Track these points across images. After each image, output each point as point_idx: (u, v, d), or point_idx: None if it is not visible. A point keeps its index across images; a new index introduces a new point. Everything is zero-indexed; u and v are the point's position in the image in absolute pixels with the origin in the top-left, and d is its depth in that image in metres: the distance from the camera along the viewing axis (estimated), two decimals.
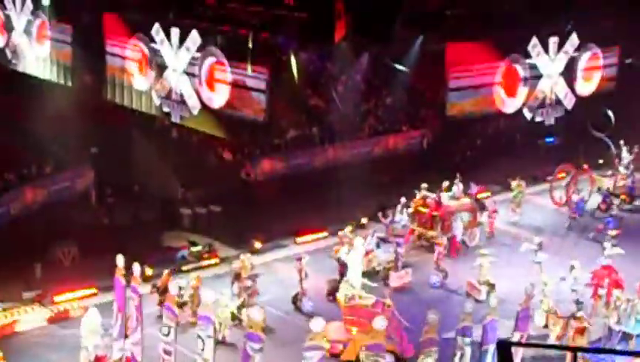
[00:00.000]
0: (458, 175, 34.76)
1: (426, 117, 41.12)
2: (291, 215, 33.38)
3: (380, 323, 22.22)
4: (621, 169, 40.02)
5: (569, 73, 43.40)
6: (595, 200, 37.61)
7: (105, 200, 33.82)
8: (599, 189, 38.98)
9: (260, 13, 32.02)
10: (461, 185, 34.68)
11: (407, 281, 30.44)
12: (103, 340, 23.00)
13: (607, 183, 39.76)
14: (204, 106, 34.04)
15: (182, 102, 34.36)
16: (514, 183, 36.95)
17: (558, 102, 41.60)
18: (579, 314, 25.22)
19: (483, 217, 34.68)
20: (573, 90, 43.63)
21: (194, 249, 31.36)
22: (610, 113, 43.50)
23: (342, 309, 26.41)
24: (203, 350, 22.00)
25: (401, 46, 38.27)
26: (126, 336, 23.29)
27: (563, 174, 38.98)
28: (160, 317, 24.99)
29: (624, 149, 40.38)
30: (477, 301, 28.03)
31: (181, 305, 26.32)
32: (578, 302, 26.24)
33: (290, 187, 34.57)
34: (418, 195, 33.95)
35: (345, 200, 33.67)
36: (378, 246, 30.98)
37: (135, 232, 31.54)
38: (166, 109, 34.74)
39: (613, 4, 41.48)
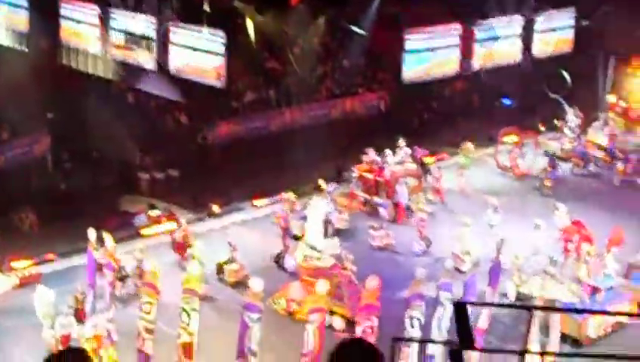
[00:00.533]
0: (401, 139, 34.63)
1: (383, 80, 41.23)
2: (249, 178, 33.38)
3: (321, 286, 22.50)
4: (567, 131, 40.00)
5: (526, 35, 43.88)
6: (542, 163, 37.54)
7: (62, 165, 33.72)
8: (546, 153, 39.10)
9: None
10: (406, 150, 34.50)
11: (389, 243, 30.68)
12: (66, 318, 22.78)
13: (553, 146, 39.90)
14: (161, 70, 34.03)
15: (138, 66, 34.32)
16: (464, 147, 36.65)
17: (514, 64, 42.15)
18: (549, 269, 25.85)
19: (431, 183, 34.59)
20: (529, 52, 44.11)
21: (152, 213, 31.39)
22: (566, 74, 43.87)
23: (299, 269, 26.87)
24: (188, 324, 21.80)
25: (358, 8, 38.39)
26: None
27: (509, 138, 38.89)
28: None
29: (570, 111, 40.35)
30: (460, 271, 27.74)
31: (122, 278, 26.26)
32: (551, 261, 26.53)
33: (248, 150, 34.55)
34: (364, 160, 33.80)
35: (302, 163, 33.75)
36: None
37: (93, 197, 31.50)
38: (122, 73, 34.71)
39: None
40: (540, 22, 44.30)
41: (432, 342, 23.30)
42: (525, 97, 43.59)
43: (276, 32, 36.59)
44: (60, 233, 29.22)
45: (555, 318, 23.52)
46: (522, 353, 15.46)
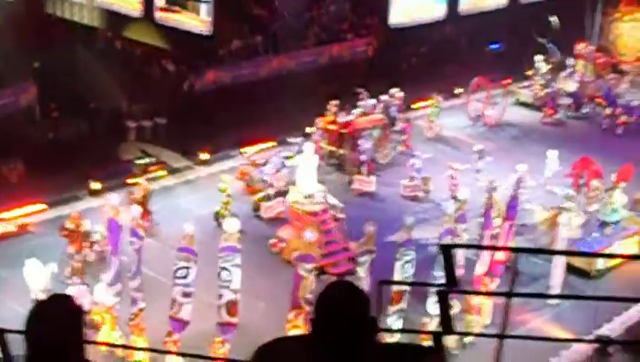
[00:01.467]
0: (363, 90, 34.45)
1: (370, 25, 41.13)
2: (237, 126, 33.33)
3: (308, 234, 22.76)
4: (538, 79, 40.29)
5: None
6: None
7: (49, 115, 33.68)
8: (518, 101, 40.05)
9: None
10: (371, 100, 34.24)
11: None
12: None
13: (526, 94, 40.38)
14: (147, 17, 33.98)
15: (124, 12, 34.28)
16: (432, 98, 36.69)
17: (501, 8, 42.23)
18: (567, 204, 26.25)
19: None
20: None
21: (140, 162, 31.46)
22: (553, 18, 43.84)
23: (290, 214, 27.41)
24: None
25: None
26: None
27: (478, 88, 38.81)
28: None
29: (538, 58, 40.77)
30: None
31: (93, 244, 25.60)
32: (567, 196, 26.99)
33: (235, 98, 34.50)
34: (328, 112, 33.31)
35: (290, 109, 33.75)
36: (284, 165, 30.48)
37: (81, 146, 31.60)
38: (108, 21, 34.63)
39: None
40: None
41: (419, 284, 23.69)
42: (513, 42, 43.50)
43: None
44: (49, 182, 29.22)
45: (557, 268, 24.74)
46: (509, 295, 15.93)
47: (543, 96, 39.72)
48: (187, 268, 21.86)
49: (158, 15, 34.57)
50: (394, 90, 35.58)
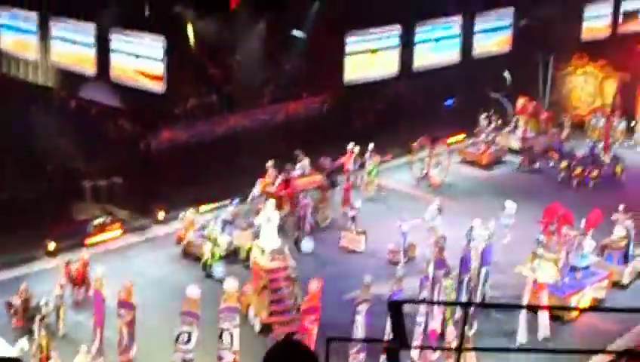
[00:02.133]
0: (300, 151, 34.41)
1: (325, 82, 41.48)
2: (193, 184, 33.56)
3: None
4: (483, 137, 40.70)
5: (468, 35, 44.59)
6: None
7: (5, 174, 33.53)
8: (465, 160, 40.42)
9: None
10: (307, 161, 34.17)
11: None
12: None
13: (471, 153, 40.64)
14: (102, 76, 34.14)
15: (79, 73, 34.41)
16: (370, 161, 36.37)
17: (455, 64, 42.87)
18: (539, 251, 27.24)
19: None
20: (471, 52, 44.81)
21: (97, 221, 31.47)
22: (506, 73, 44.54)
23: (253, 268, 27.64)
24: (231, 343, 22.05)
25: (298, 12, 38.68)
26: None
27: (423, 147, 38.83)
28: None
29: (482, 116, 41.15)
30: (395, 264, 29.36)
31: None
32: (538, 241, 27.87)
33: (192, 156, 34.68)
34: (268, 173, 33.39)
35: (247, 168, 33.93)
36: (223, 229, 30.47)
37: (37, 206, 31.50)
38: (63, 81, 34.74)
39: None
40: (480, 22, 45.05)
41: (369, 341, 24.01)
42: (467, 98, 44.05)
43: (218, 37, 36.67)
44: (6, 243, 29.14)
45: (543, 300, 25.90)
46: (459, 349, 16.17)
47: (487, 155, 40.06)
48: (189, 332, 22.08)
49: (113, 74, 34.72)
50: (351, 146, 35.84)
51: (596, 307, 28.90)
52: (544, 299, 26.11)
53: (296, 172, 33.54)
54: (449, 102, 45.04)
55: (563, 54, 46.21)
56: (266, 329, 25.96)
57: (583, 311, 27.76)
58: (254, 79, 38.24)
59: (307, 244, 31.03)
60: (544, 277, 26.74)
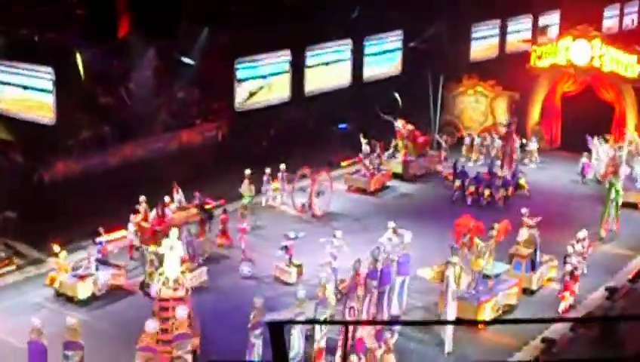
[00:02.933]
0: (175, 184, 34.11)
1: (218, 110, 41.92)
2: (89, 216, 33.36)
3: (181, 312, 23.50)
4: (367, 163, 40.84)
5: (357, 58, 45.48)
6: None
7: None
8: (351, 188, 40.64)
9: (42, 13, 32.09)
10: (181, 194, 33.99)
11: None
12: None
13: (357, 179, 40.77)
14: None
15: None
16: (246, 189, 36.47)
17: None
18: (453, 259, 27.95)
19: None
20: (361, 75, 45.72)
21: None
22: (397, 95, 45.39)
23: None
24: None
25: (188, 39, 39.03)
26: None
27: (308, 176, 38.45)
28: None
29: (364, 142, 41.00)
30: (287, 284, 30.28)
31: None
32: (452, 249, 28.63)
33: (86, 188, 34.58)
34: (140, 208, 33.16)
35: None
36: (97, 268, 30.23)
37: None
38: None
39: None
40: (369, 45, 46.00)
41: None
42: (360, 120, 44.76)
43: (107, 66, 36.83)
44: None
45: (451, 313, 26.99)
46: None
47: (374, 181, 40.33)
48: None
49: (1, 107, 34.62)
50: (248, 172, 36.27)
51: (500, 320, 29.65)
52: (454, 308, 27.17)
53: (172, 206, 33.35)
54: (342, 126, 45.67)
55: (453, 75, 47.24)
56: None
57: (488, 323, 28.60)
58: (147, 108, 38.40)
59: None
60: (460, 284, 28.02)
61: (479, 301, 28.56)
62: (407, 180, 41.76)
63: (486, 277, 29.27)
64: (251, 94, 42.03)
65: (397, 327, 26.97)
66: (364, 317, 26.40)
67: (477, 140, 45.33)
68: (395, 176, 41.69)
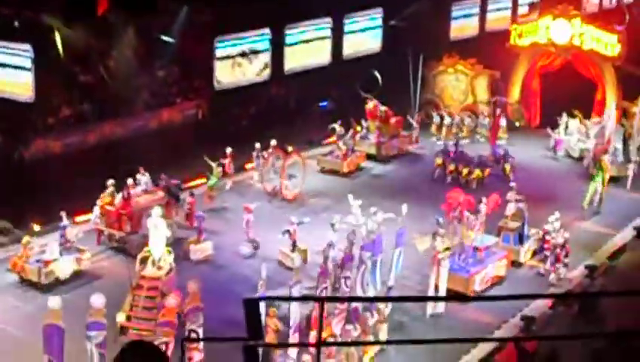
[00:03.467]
0: (142, 168, 33.81)
1: (199, 88, 41.96)
2: (69, 194, 33.16)
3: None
4: (341, 144, 40.51)
5: (337, 37, 45.57)
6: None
7: None
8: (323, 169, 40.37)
9: None
10: (147, 177, 33.72)
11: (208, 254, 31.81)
12: None
13: (330, 161, 40.42)
14: None
15: None
16: (214, 171, 36.06)
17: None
18: (440, 231, 29.07)
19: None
20: (340, 54, 45.80)
21: None
22: (377, 74, 45.45)
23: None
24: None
25: (168, 17, 39.01)
26: None
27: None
28: None
29: (336, 125, 40.90)
30: (289, 269, 29.74)
31: None
32: (438, 222, 29.58)
33: (67, 166, 34.59)
34: (106, 192, 32.84)
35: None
36: (61, 254, 30.08)
37: None
38: None
39: None
40: (349, 23, 46.07)
41: (222, 339, 24.71)
42: (341, 99, 44.90)
43: (87, 44, 36.74)
44: None
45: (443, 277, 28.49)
46: (318, 345, 16.84)
47: (348, 163, 39.97)
48: None
49: None
50: (229, 150, 36.46)
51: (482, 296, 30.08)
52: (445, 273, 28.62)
53: (138, 189, 33.11)
54: (324, 103, 45.78)
55: (433, 53, 47.31)
56: (124, 331, 26.19)
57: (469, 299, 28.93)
58: (127, 86, 38.35)
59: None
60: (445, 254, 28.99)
61: (469, 273, 29.48)
62: (380, 161, 41.79)
63: (476, 249, 30.28)
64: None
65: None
66: (357, 287, 27.57)
67: (456, 119, 45.50)
68: (369, 157, 41.57)
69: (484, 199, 31.36)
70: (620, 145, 40.47)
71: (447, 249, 29.04)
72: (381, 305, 26.34)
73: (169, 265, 27.54)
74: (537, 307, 28.39)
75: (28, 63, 34.15)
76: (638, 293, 8.92)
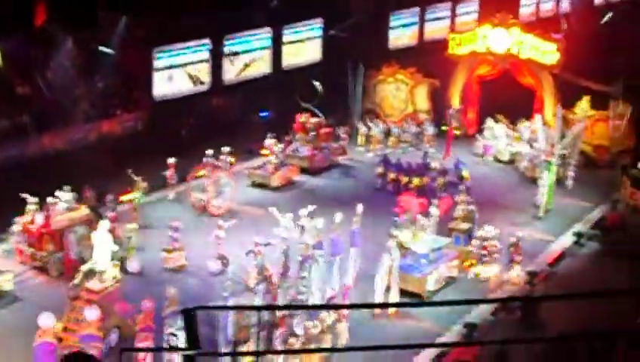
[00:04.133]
0: (66, 187, 32.59)
1: (138, 99, 41.89)
2: (4, 208, 32.62)
3: (90, 313, 24.38)
4: (272, 159, 40.02)
5: (276, 47, 45.74)
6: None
7: None
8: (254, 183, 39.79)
9: None
10: (70, 194, 32.36)
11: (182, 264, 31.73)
12: None
13: (261, 175, 39.85)
14: None
15: None
16: (138, 186, 35.26)
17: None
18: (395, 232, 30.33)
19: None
20: (279, 64, 45.98)
21: None
22: (317, 83, 45.70)
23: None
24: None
25: (107, 29, 38.93)
26: None
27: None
28: None
29: (269, 137, 40.41)
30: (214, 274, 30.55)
31: None
32: (396, 224, 31.04)
33: (3, 179, 34.09)
34: (28, 209, 32.05)
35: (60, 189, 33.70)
36: None
37: None
38: None
39: None
40: (288, 33, 46.28)
41: (160, 350, 24.76)
42: (281, 108, 45.06)
43: (25, 55, 36.53)
44: None
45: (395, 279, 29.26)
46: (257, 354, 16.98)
47: (278, 176, 39.57)
48: None
49: None
50: (171, 161, 36.79)
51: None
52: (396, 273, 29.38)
53: (59, 207, 31.79)
54: (264, 114, 45.91)
55: (372, 63, 47.62)
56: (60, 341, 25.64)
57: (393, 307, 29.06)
58: (66, 98, 38.19)
59: (133, 265, 31.13)
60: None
61: (423, 273, 30.15)
62: (312, 173, 41.55)
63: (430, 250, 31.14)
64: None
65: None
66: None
67: (396, 128, 45.85)
68: (301, 170, 41.26)
69: (435, 201, 32.54)
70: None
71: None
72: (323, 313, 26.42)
73: (112, 279, 27.38)
74: (479, 314, 28.75)
75: None
76: (577, 297, 9.18)
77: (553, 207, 37.50)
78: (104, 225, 28.59)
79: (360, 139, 45.21)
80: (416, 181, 38.87)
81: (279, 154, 40.22)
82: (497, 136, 44.52)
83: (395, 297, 28.92)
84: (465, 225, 33.26)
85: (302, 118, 42.56)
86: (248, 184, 39.61)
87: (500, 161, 43.86)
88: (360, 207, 30.91)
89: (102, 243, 27.98)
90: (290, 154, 41.26)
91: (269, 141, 40.15)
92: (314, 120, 42.68)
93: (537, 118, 42.03)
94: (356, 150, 44.44)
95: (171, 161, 37.00)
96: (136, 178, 35.04)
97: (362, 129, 45.31)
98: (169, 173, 36.97)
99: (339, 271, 29.30)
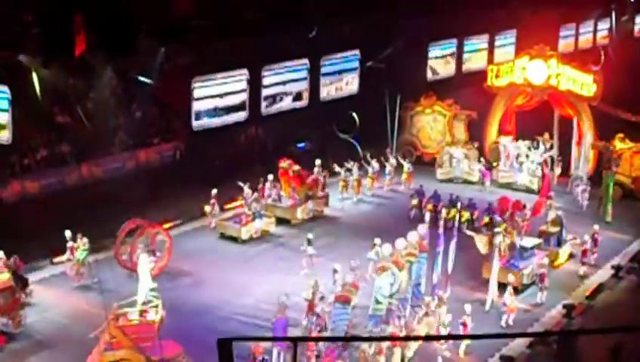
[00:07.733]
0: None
1: (176, 128, 42.01)
2: (46, 235, 33.20)
3: None
4: (246, 210, 37.26)
5: (314, 79, 45.80)
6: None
7: None
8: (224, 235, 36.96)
9: None
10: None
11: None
12: None
13: (232, 227, 36.74)
14: None
15: None
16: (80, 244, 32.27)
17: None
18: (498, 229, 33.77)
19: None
20: (318, 95, 46.01)
21: None
22: (354, 115, 45.66)
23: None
24: None
25: (146, 59, 39.10)
26: None
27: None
28: None
29: (245, 186, 37.75)
30: None
31: None
32: (495, 221, 35.80)
33: (44, 207, 34.43)
34: None
35: (101, 217, 33.86)
36: None
37: None
38: None
39: (351, 10, 43.73)
40: (326, 65, 46.31)
41: None
42: (319, 139, 45.03)
43: (65, 85, 36.78)
44: None
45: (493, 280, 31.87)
46: None
47: (246, 229, 36.50)
48: None
49: None
50: (214, 192, 37.11)
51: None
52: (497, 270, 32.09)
53: None
54: (301, 145, 45.84)
55: (410, 94, 47.57)
56: None
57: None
58: (104, 127, 38.36)
59: None
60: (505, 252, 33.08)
61: (519, 268, 33.08)
62: (293, 225, 38.59)
63: (523, 248, 34.11)
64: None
65: None
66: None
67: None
68: (281, 221, 38.47)
69: (528, 205, 36.71)
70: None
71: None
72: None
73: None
74: (515, 347, 28.41)
75: (5, 104, 34.12)
76: (615, 330, 9.01)
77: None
78: (145, 256, 28.76)
79: (340, 186, 41.50)
80: (453, 212, 37.99)
81: (253, 204, 37.02)
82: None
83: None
84: (554, 229, 36.30)
85: (284, 163, 39.44)
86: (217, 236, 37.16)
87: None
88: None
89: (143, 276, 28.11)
90: (270, 204, 38.73)
91: (246, 189, 37.37)
92: (296, 167, 39.35)
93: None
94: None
95: (214, 192, 37.28)
96: (82, 238, 32.13)
97: (369, 169, 42.43)
98: (212, 202, 37.15)
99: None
